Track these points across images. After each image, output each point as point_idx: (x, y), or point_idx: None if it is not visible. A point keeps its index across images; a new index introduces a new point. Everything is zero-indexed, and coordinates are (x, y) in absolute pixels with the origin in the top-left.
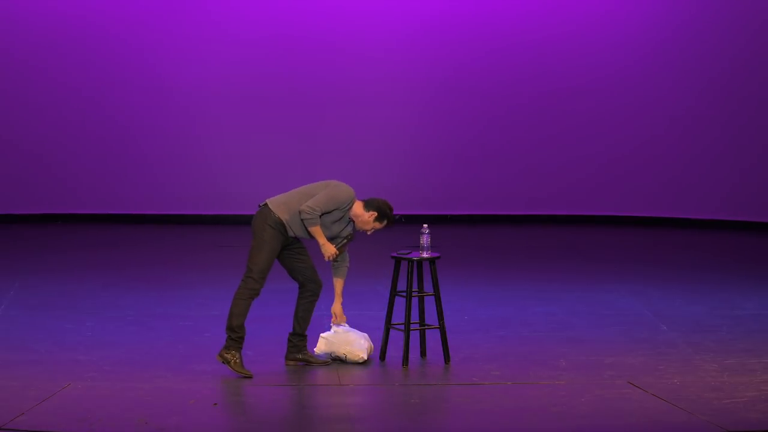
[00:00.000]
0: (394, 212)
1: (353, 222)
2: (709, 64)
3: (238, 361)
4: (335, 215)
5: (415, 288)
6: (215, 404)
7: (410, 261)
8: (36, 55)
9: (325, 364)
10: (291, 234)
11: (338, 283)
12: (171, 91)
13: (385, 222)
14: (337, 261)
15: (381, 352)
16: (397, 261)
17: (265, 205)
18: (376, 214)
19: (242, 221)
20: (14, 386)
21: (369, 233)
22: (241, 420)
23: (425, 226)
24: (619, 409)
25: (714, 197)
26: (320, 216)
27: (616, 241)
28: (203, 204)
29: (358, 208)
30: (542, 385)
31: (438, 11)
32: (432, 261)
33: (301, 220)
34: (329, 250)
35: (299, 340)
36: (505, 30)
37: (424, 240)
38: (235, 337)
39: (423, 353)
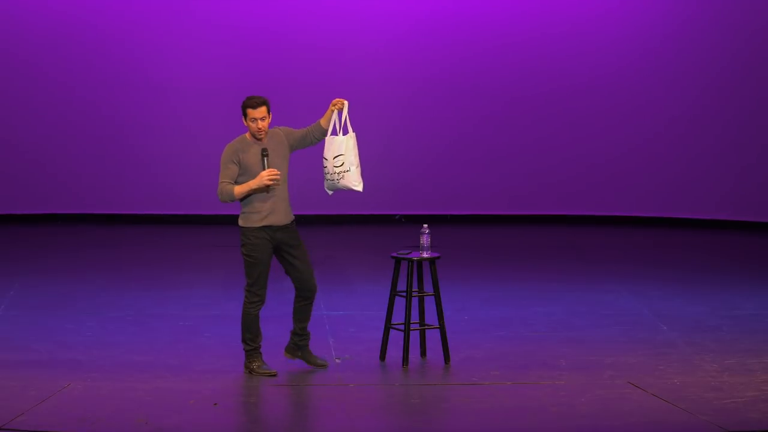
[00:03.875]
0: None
1: (262, 140)
2: (709, 63)
3: (260, 365)
4: (252, 161)
5: (415, 288)
6: (215, 404)
7: (410, 261)
8: (36, 56)
9: (322, 366)
10: (270, 223)
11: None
12: (170, 92)
13: (249, 110)
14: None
15: (381, 352)
16: (397, 261)
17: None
18: (244, 120)
19: None
20: (14, 386)
21: (263, 128)
22: (241, 420)
23: (425, 226)
24: (619, 409)
25: (714, 197)
26: (230, 183)
27: (616, 241)
28: (202, 204)
29: (247, 135)
30: (542, 385)
31: (438, 11)
32: (432, 261)
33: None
34: (263, 179)
35: (300, 339)
36: (506, 30)
37: (424, 240)
38: (250, 349)
39: (423, 353)
